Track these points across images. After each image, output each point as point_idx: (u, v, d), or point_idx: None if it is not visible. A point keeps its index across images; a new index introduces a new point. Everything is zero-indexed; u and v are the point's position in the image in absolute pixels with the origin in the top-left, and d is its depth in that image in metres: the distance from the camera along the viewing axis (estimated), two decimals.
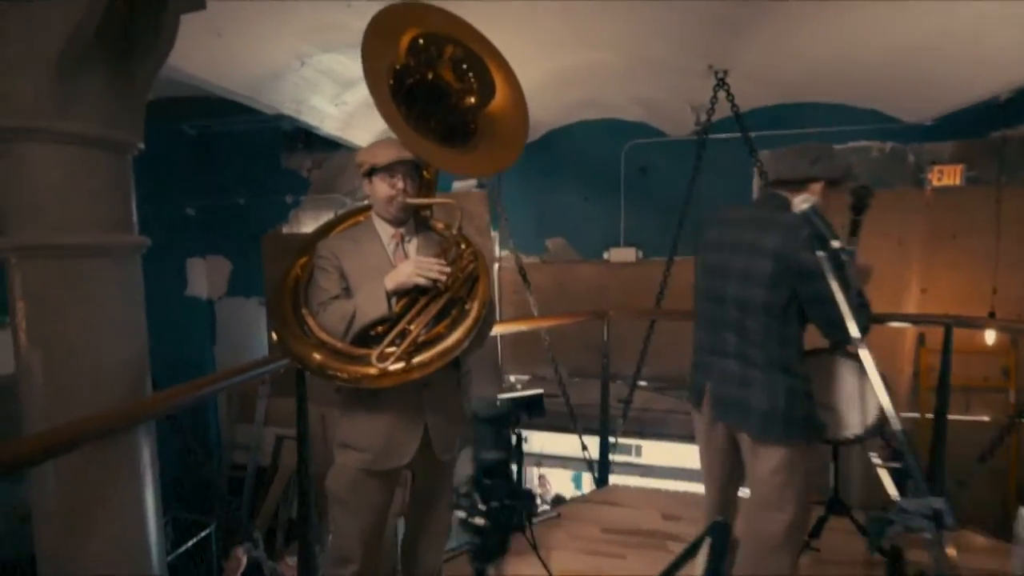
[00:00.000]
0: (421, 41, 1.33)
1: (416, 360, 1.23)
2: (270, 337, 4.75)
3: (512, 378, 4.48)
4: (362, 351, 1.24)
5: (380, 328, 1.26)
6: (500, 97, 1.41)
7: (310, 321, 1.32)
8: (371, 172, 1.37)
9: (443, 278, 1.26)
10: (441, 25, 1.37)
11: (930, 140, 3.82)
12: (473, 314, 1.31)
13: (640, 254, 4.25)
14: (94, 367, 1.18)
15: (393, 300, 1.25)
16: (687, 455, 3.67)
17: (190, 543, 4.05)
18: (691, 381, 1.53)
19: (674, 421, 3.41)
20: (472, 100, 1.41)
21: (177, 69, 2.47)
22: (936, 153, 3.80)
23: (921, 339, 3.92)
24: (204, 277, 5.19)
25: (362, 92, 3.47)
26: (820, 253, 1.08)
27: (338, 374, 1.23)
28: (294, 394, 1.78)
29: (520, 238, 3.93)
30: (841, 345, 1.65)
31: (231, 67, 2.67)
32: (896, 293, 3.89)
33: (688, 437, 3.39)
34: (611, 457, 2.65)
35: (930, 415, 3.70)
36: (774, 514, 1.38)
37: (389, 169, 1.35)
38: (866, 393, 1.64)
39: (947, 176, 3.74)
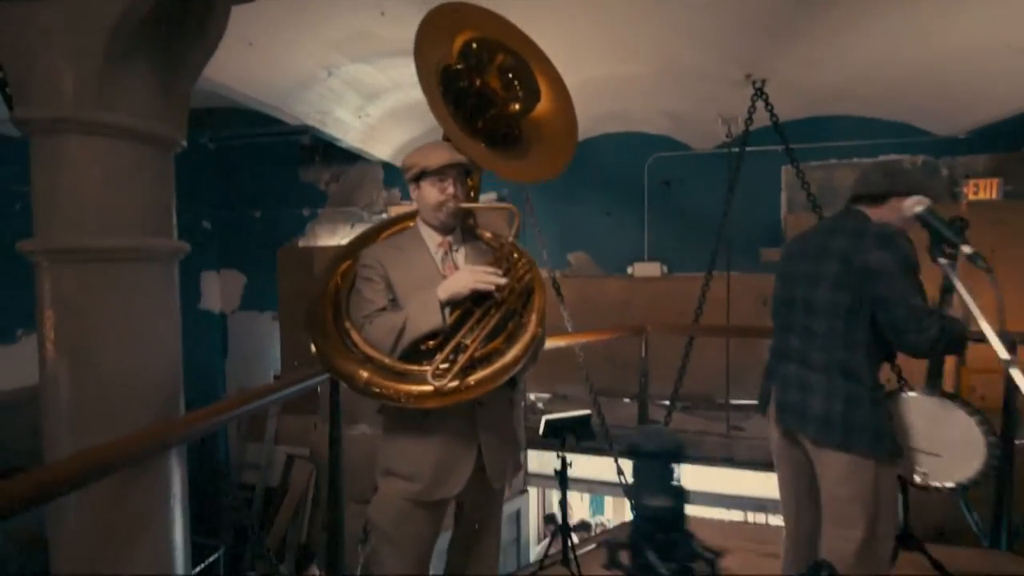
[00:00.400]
0: (474, 46, 1.31)
1: (473, 378, 1.12)
2: (284, 353, 4.66)
3: (532, 396, 4.34)
4: (412, 367, 1.14)
5: (430, 343, 1.16)
6: (545, 104, 1.37)
7: (354, 334, 1.23)
8: (420, 176, 1.30)
9: (501, 287, 1.17)
10: (496, 31, 1.34)
11: (963, 153, 3.73)
12: (531, 328, 1.21)
13: (665, 269, 4.15)
14: (126, 383, 1.08)
15: (447, 311, 1.16)
16: (725, 480, 3.51)
17: (198, 569, 3.89)
18: (761, 388, 1.51)
19: (710, 443, 3.25)
20: (516, 107, 1.38)
21: (206, 78, 2.42)
22: (970, 166, 3.71)
23: (961, 358, 3.78)
24: (218, 290, 5.12)
25: (385, 104, 3.44)
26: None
27: (386, 392, 1.13)
28: (306, 411, 1.67)
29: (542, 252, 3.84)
30: (939, 387, 1.58)
31: (260, 76, 2.64)
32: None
33: (726, 460, 3.24)
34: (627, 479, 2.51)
35: None
36: (843, 531, 1.31)
37: (440, 172, 1.25)
38: (972, 440, 1.52)
39: (983, 190, 3.64)
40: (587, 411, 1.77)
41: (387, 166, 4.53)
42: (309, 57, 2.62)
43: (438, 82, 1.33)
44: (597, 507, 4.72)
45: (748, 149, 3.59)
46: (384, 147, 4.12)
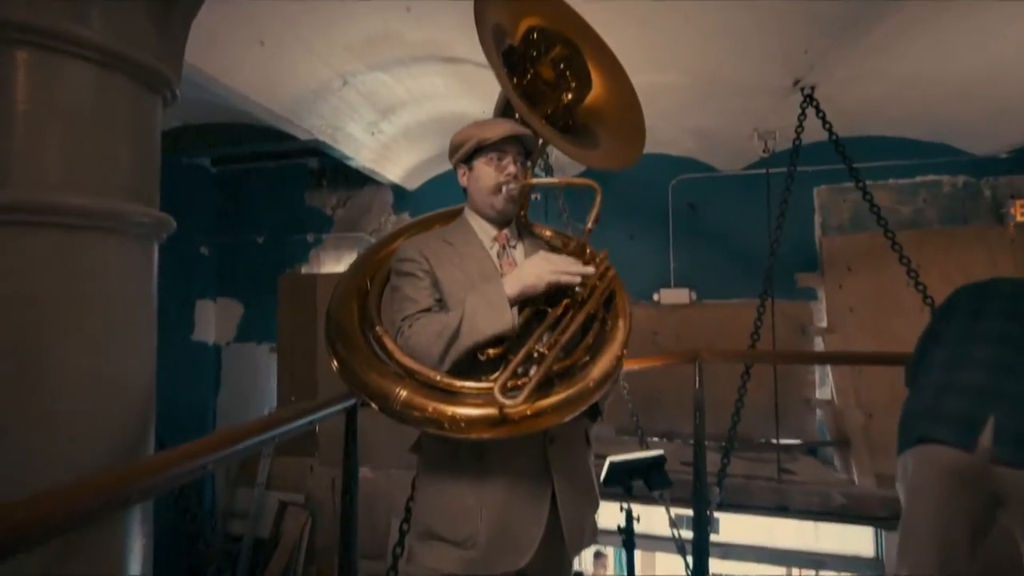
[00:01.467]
0: (535, 35, 1.20)
1: (551, 400, 0.84)
2: (281, 387, 4.30)
3: None
4: (469, 384, 0.86)
5: (491, 351, 0.89)
6: (600, 91, 1.23)
7: (387, 341, 0.95)
8: (472, 155, 1.06)
9: (587, 277, 0.91)
10: (559, 21, 1.21)
11: (1006, 173, 3.56)
12: (620, 336, 0.94)
13: (694, 295, 3.89)
14: (82, 399, 0.78)
15: (515, 311, 0.88)
16: (773, 531, 3.12)
17: None
18: (945, 412, 1.32)
19: (758, 490, 2.88)
20: (569, 96, 1.24)
21: (212, 79, 2.23)
22: (1015, 186, 3.53)
23: None
24: (213, 321, 4.81)
25: (400, 121, 3.27)
26: None
27: (431, 416, 0.84)
28: (302, 452, 1.37)
29: None
30: None
31: (271, 82, 2.45)
32: None
33: (780, 509, 2.86)
34: (681, 533, 2.13)
35: None
36: None
37: (499, 148, 1.04)
38: None
39: None
40: (659, 451, 1.45)
41: (397, 189, 4.34)
42: (325, 63, 2.45)
43: (499, 55, 1.16)
44: (622, 567, 4.25)
45: (776, 171, 3.43)
46: (395, 168, 3.94)
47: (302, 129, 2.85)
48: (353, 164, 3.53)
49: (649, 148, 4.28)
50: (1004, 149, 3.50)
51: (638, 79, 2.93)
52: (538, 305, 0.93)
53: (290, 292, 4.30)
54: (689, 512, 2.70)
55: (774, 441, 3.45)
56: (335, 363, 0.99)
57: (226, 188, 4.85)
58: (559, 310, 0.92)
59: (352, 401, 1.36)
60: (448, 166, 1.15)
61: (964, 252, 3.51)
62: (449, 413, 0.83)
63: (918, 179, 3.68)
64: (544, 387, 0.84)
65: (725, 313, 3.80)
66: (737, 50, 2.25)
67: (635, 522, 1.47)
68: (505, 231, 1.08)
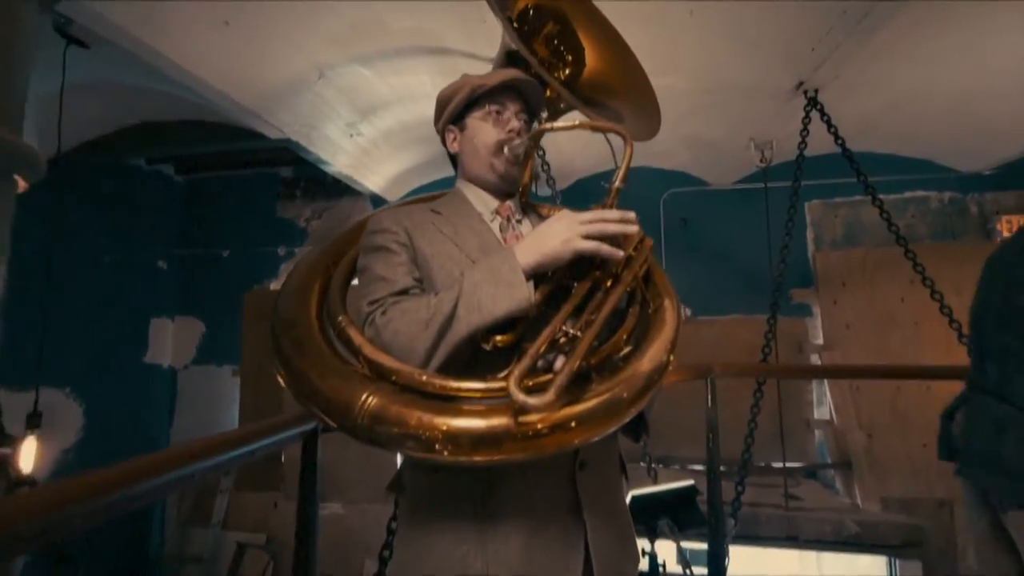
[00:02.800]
0: (531, 12, 1.11)
1: (590, 402, 0.62)
2: (243, 414, 3.92)
3: None
4: (471, 385, 0.63)
5: (499, 339, 0.66)
6: (600, 66, 1.12)
7: (354, 335, 0.72)
8: (464, 111, 0.88)
9: (629, 242, 0.72)
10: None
11: (991, 190, 3.58)
12: (671, 318, 0.74)
13: (688, 312, 3.74)
14: None
15: (531, 285, 0.66)
16: (777, 561, 2.90)
17: None
18: None
19: (766, 519, 2.67)
20: (566, 72, 1.14)
21: (169, 61, 1.99)
22: (1000, 203, 3.55)
23: None
24: (170, 341, 4.40)
25: (382, 123, 3.07)
26: None
27: (415, 433, 0.60)
28: (265, 486, 1.13)
29: None
30: None
31: (236, 68, 2.21)
32: None
33: (790, 539, 2.65)
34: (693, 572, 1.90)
35: None
36: None
37: (497, 101, 0.86)
38: None
39: (1017, 227, 3.46)
40: (690, 482, 1.23)
41: (377, 201, 4.11)
42: (299, 50, 2.23)
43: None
44: None
45: (774, 185, 3.36)
46: (375, 177, 3.71)
47: (272, 127, 2.61)
48: (329, 170, 3.29)
49: (641, 161, 4.16)
50: (988, 167, 3.54)
51: (653, 81, 2.77)
52: (559, 280, 0.71)
53: (257, 309, 3.97)
54: (696, 546, 2.47)
55: (776, 465, 3.27)
56: (280, 370, 0.74)
57: (190, 197, 4.52)
58: (587, 284, 0.70)
59: (312, 424, 1.11)
60: (435, 176, 0.96)
61: (955, 267, 3.48)
62: (442, 427, 0.59)
63: (907, 195, 3.67)
64: (578, 384, 0.62)
65: (722, 330, 3.66)
66: (741, 46, 2.14)
67: (661, 570, 1.23)
68: (509, 203, 0.88)
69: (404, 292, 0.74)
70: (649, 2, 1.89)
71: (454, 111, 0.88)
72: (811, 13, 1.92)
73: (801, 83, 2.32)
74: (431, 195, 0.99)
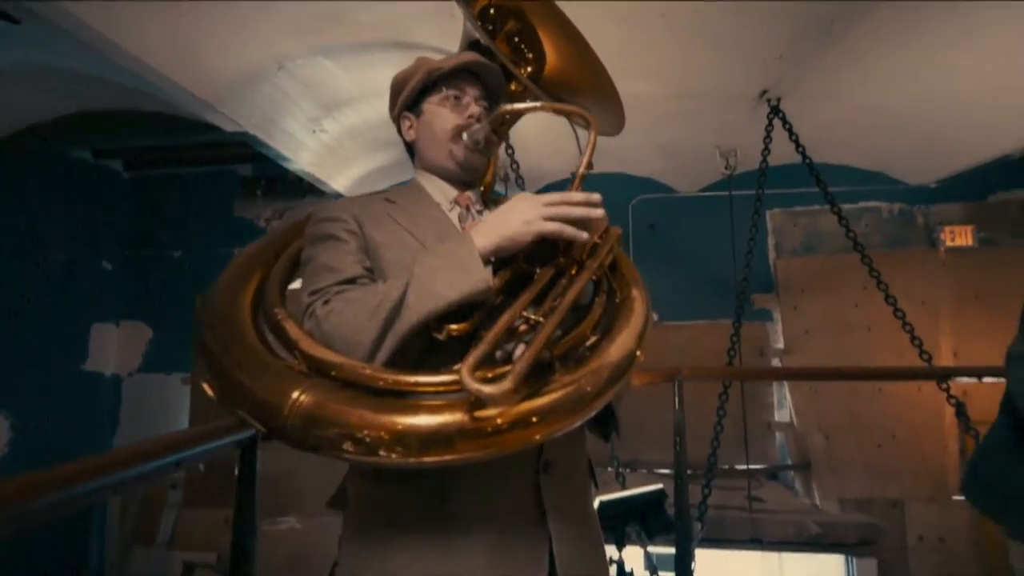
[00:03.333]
0: (492, 11, 1.09)
1: (553, 394, 0.56)
2: (196, 423, 3.69)
3: None
4: (423, 379, 0.58)
5: (453, 327, 0.61)
6: (559, 63, 1.11)
7: (290, 328, 0.66)
8: (420, 96, 0.84)
9: (596, 225, 0.68)
10: None
11: (935, 202, 3.78)
12: (640, 307, 0.71)
13: (655, 317, 3.77)
14: None
15: (490, 270, 0.62)
16: (739, 564, 2.93)
17: None
18: None
19: (731, 522, 2.69)
20: (528, 70, 1.12)
21: (114, 44, 1.85)
22: (943, 214, 3.75)
23: (960, 409, 3.59)
24: (113, 347, 4.12)
25: (347, 120, 2.97)
26: None
27: (358, 434, 0.54)
28: (216, 502, 1.06)
29: None
30: None
31: (187, 55, 2.09)
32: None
33: (754, 542, 2.68)
34: None
35: None
36: None
37: (455, 85, 0.82)
38: None
39: (959, 237, 3.66)
40: (658, 486, 1.20)
41: None
42: (256, 39, 2.13)
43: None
44: None
45: (739, 193, 3.44)
46: (341, 177, 3.59)
47: (228, 119, 2.47)
48: (291, 167, 3.16)
49: (610, 166, 4.18)
50: (933, 180, 3.74)
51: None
52: (520, 266, 0.67)
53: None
54: (662, 550, 2.46)
55: (739, 467, 3.31)
56: (205, 375, 0.67)
57: (140, 195, 4.26)
58: (550, 270, 0.67)
59: (251, 431, 1.02)
60: (406, 178, 0.91)
61: (905, 274, 3.65)
62: (388, 426, 0.52)
63: (861, 204, 3.83)
64: (540, 375, 0.57)
65: (688, 335, 3.71)
66: (710, 51, 2.18)
67: None
68: (469, 193, 0.84)
69: (351, 281, 0.68)
70: (622, 1, 1.89)
71: (409, 96, 0.84)
72: (780, 19, 1.97)
73: (765, 91, 2.38)
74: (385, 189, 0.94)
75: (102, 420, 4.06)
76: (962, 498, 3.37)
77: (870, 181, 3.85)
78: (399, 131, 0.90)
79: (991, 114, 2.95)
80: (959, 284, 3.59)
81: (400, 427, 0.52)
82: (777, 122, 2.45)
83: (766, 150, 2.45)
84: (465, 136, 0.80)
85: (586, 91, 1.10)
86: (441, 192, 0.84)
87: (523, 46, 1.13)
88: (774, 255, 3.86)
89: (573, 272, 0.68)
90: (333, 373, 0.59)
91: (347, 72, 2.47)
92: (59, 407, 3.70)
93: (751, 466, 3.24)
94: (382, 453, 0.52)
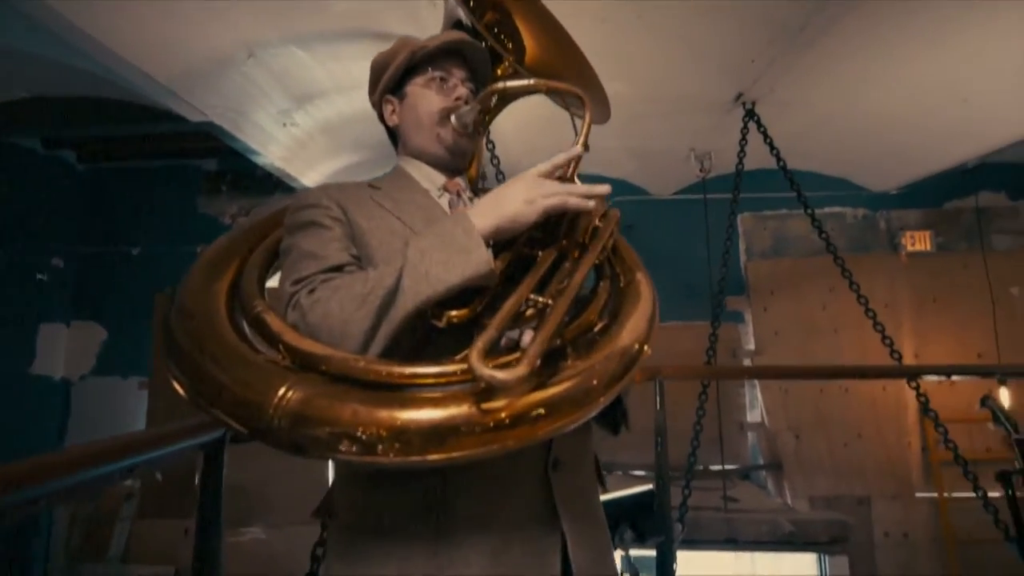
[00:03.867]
0: (471, 3, 1.04)
1: (566, 382, 0.52)
2: (151, 423, 3.49)
3: None
4: (422, 369, 0.53)
5: (453, 314, 0.57)
6: (540, 53, 1.07)
7: (272, 320, 0.60)
8: (404, 78, 0.80)
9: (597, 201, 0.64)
10: None
11: (897, 207, 3.94)
12: (647, 291, 0.69)
13: None
14: None
15: (490, 252, 0.58)
16: (720, 565, 2.94)
17: None
18: None
19: (707, 522, 2.70)
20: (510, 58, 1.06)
21: (72, 26, 1.73)
22: (904, 220, 3.91)
23: (925, 408, 3.72)
24: (63, 349, 3.87)
25: (319, 113, 2.88)
26: None
27: (352, 432, 0.48)
28: (173, 513, 1.05)
29: None
30: None
31: (151, 40, 1.97)
32: (888, 358, 3.76)
33: (729, 542, 2.69)
34: None
35: (952, 494, 3.39)
36: None
37: (441, 64, 0.79)
38: None
39: (919, 242, 3.82)
40: (647, 487, 1.17)
41: None
42: (225, 24, 2.03)
43: None
44: None
45: (713, 196, 3.50)
46: (313, 174, 3.48)
47: (192, 108, 2.36)
48: (260, 161, 3.04)
49: (583, 168, 4.19)
50: (894, 186, 3.90)
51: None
52: (519, 250, 0.63)
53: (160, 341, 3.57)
54: (640, 553, 2.45)
55: (714, 468, 3.35)
56: (174, 372, 0.59)
57: (95, 189, 4.03)
58: (553, 252, 0.63)
59: (218, 433, 0.95)
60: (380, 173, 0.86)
61: (868, 278, 3.76)
62: (387, 421, 0.48)
63: (826, 210, 3.95)
64: (549, 362, 0.53)
65: (662, 336, 3.73)
66: (685, 54, 2.20)
67: None
68: (458, 179, 0.80)
69: (338, 269, 0.63)
70: (599, 1, 1.88)
71: (392, 78, 0.79)
72: (753, 24, 2.01)
73: (740, 95, 2.42)
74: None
75: (49, 426, 3.80)
76: (924, 495, 3.49)
77: (834, 187, 3.99)
78: (380, 117, 0.85)
79: (948, 124, 3.09)
80: (919, 287, 3.75)
81: (400, 422, 0.47)
82: (752, 125, 2.50)
83: (742, 152, 2.49)
84: (453, 118, 0.76)
85: (570, 80, 1.10)
86: (428, 178, 0.79)
87: (503, 37, 1.08)
88: (744, 258, 3.94)
89: (576, 255, 0.65)
90: (322, 367, 0.54)
91: (321, 63, 2.39)
92: (2, 413, 3.44)
93: (726, 467, 3.28)
94: (380, 451, 0.47)
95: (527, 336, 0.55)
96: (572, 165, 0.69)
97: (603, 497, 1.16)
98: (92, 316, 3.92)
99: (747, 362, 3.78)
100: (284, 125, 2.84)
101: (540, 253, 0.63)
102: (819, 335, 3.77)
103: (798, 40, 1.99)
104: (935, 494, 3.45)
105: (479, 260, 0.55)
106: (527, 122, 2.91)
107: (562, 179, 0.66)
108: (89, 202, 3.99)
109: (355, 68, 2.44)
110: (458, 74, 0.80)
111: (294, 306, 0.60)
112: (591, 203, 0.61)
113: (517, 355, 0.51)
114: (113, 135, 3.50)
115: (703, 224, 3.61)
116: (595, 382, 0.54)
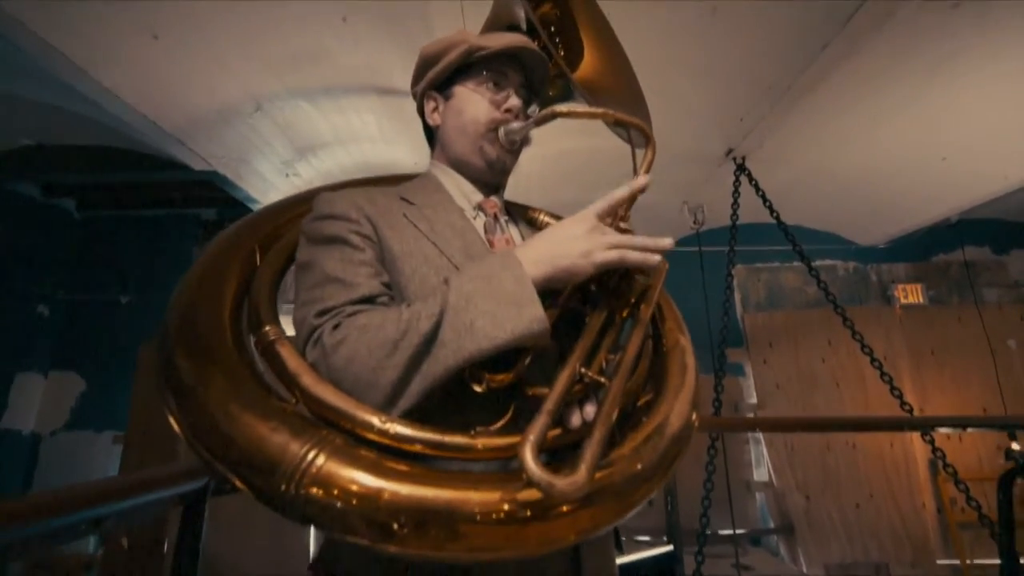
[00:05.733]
0: None
1: (615, 470, 0.48)
2: (125, 462, 3.26)
3: None
4: (459, 439, 0.48)
5: (492, 378, 0.51)
6: (596, 64, 1.00)
7: (286, 355, 0.54)
8: (454, 75, 0.73)
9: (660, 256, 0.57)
10: None
11: (886, 261, 4.01)
12: (690, 360, 0.64)
13: None
14: None
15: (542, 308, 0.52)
16: None
17: None
18: None
19: None
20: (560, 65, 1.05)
21: (83, 72, 1.78)
22: (894, 273, 3.97)
23: (934, 466, 3.60)
24: (37, 401, 3.68)
25: (321, 164, 2.94)
26: None
27: (375, 516, 0.43)
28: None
29: None
30: None
31: (159, 88, 2.04)
32: (892, 411, 3.67)
33: None
34: None
35: (974, 560, 3.19)
36: None
37: (498, 68, 0.71)
38: None
39: (911, 295, 3.86)
40: (667, 547, 1.08)
41: None
42: (235, 77, 2.11)
43: None
44: None
45: (709, 249, 3.55)
46: None
47: (197, 156, 2.40)
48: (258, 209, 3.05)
49: None
50: (881, 240, 3.99)
51: (582, 142, 2.90)
52: (566, 304, 0.57)
53: (152, 365, 3.45)
54: None
55: (723, 532, 3.15)
56: (170, 402, 0.51)
57: (92, 236, 4.02)
58: (603, 313, 0.57)
59: (200, 482, 0.85)
60: None
61: (864, 330, 3.75)
62: (416, 503, 0.42)
63: (818, 262, 4.01)
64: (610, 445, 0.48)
65: None
66: (679, 112, 2.30)
67: None
68: (495, 199, 0.73)
69: (368, 300, 0.55)
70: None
71: (441, 73, 0.72)
72: (741, 83, 2.11)
73: (731, 150, 2.51)
74: (392, 176, 0.84)
75: (11, 484, 3.53)
76: (945, 562, 3.28)
77: (823, 240, 4.07)
78: (420, 111, 0.77)
79: (928, 180, 3.22)
80: (915, 340, 3.74)
81: (428, 504, 0.41)
82: (744, 178, 2.58)
83: (735, 204, 2.55)
84: (502, 132, 0.69)
85: (618, 99, 0.97)
86: (463, 193, 0.71)
87: (558, 38, 0.99)
88: (740, 309, 3.94)
89: (624, 314, 0.59)
90: (345, 424, 0.47)
91: (324, 115, 2.47)
92: None
93: (736, 531, 3.09)
94: (405, 539, 0.41)
95: (576, 416, 0.50)
96: (628, 202, 0.63)
97: (627, 559, 1.06)
98: (72, 366, 3.77)
99: (749, 416, 3.67)
100: (286, 175, 2.89)
101: (588, 311, 0.58)
102: (820, 388, 3.71)
103: (784, 99, 2.09)
104: (957, 561, 3.25)
105: (532, 317, 0.48)
106: (537, 175, 2.98)
107: (617, 218, 0.62)
108: (84, 250, 3.97)
109: (356, 121, 2.51)
110: (514, 79, 0.72)
111: (315, 342, 0.52)
112: (653, 259, 0.55)
113: (558, 431, 0.47)
114: (113, 182, 3.53)
115: (697, 276, 3.63)
116: (639, 470, 0.48)
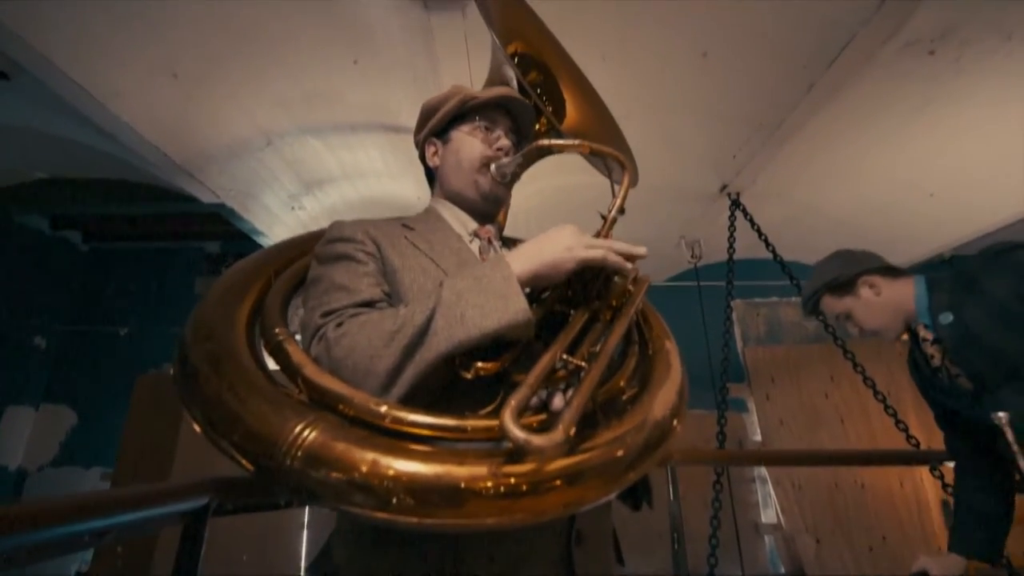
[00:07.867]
0: (517, 59, 1.12)
1: (599, 447, 0.50)
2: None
3: None
4: (447, 421, 0.50)
5: (481, 366, 0.55)
6: (579, 119, 1.12)
7: (292, 350, 0.58)
8: (451, 123, 0.84)
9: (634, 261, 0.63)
10: (541, 49, 1.13)
11: None
12: (675, 361, 0.69)
13: None
14: None
15: (526, 301, 0.57)
16: None
17: None
18: None
19: None
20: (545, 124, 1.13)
21: (101, 105, 1.86)
22: None
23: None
24: (25, 436, 3.60)
25: (327, 199, 3.01)
26: None
27: (365, 481, 0.45)
28: None
29: None
30: None
31: (174, 123, 2.12)
32: (899, 446, 3.60)
33: None
34: None
35: None
36: None
37: (488, 116, 0.83)
38: None
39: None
40: None
41: None
42: (247, 114, 2.20)
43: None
44: None
45: (707, 284, 3.59)
46: None
47: (206, 188, 2.46)
48: (264, 242, 3.11)
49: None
50: None
51: (575, 179, 2.98)
52: (551, 304, 0.62)
53: (149, 397, 3.38)
54: None
55: None
56: (185, 395, 0.57)
57: (97, 268, 4.06)
58: (586, 313, 0.62)
59: (202, 500, 0.84)
60: None
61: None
62: (406, 474, 0.44)
63: None
64: (588, 424, 0.51)
65: None
66: (673, 150, 2.38)
67: None
68: (489, 226, 0.82)
69: (369, 304, 0.62)
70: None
71: (440, 121, 0.83)
72: (733, 121, 2.20)
73: (725, 186, 2.59)
74: (397, 217, 0.91)
75: None
76: None
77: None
78: (421, 157, 0.88)
79: (917, 217, 3.30)
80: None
81: (419, 477, 0.44)
82: (739, 213, 2.64)
83: (732, 238, 2.60)
84: (493, 167, 0.78)
85: (599, 139, 1.11)
86: (460, 222, 0.80)
87: (544, 99, 1.14)
88: (741, 344, 3.93)
89: (608, 317, 0.64)
90: (341, 407, 0.51)
91: (332, 151, 2.55)
92: None
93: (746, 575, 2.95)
94: (394, 507, 0.43)
95: (558, 399, 0.52)
96: (607, 228, 0.71)
97: None
98: (64, 399, 3.72)
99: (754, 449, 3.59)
100: (292, 209, 2.96)
101: (572, 312, 0.62)
102: (824, 425, 3.64)
103: (774, 136, 2.17)
104: None
105: (517, 308, 0.53)
106: (523, 210, 3.05)
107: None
108: (89, 281, 3.99)
109: (363, 157, 2.60)
110: (504, 124, 0.84)
111: (320, 338, 0.58)
112: (629, 264, 0.61)
113: (543, 416, 0.49)
114: (120, 215, 3.60)
115: (696, 311, 3.65)
116: (622, 453, 0.50)
